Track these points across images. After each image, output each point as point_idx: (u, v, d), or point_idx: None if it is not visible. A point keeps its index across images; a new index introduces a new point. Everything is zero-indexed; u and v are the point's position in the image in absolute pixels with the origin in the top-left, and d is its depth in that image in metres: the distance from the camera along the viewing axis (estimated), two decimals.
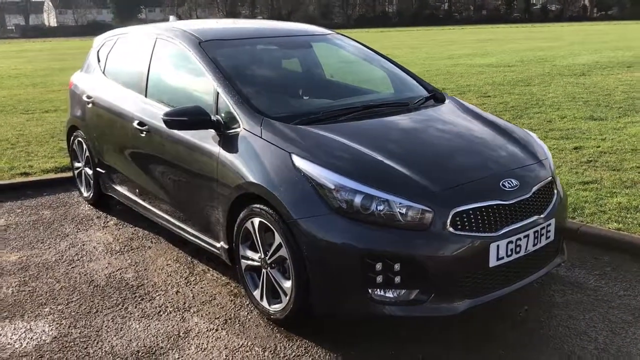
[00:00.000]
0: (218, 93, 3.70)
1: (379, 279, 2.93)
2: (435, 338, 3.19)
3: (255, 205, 3.31)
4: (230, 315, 3.50)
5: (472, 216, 2.98)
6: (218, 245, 3.75)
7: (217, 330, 3.34)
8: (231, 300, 3.67)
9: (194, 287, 3.85)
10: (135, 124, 4.31)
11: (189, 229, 4.03)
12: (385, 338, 3.20)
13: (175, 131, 3.89)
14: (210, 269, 4.10)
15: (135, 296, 3.75)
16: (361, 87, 4.39)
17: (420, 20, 76.18)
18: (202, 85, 3.91)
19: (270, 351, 3.12)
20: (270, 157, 3.29)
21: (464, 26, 64.30)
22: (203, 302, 3.66)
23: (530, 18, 74.35)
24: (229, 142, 3.53)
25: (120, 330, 3.36)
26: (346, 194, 2.98)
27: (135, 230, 4.87)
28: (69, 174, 6.26)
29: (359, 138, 3.36)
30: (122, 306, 3.63)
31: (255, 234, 3.35)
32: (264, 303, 3.41)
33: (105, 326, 3.40)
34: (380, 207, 2.94)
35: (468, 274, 2.99)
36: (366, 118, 3.67)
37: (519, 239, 3.08)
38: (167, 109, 3.89)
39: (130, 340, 3.25)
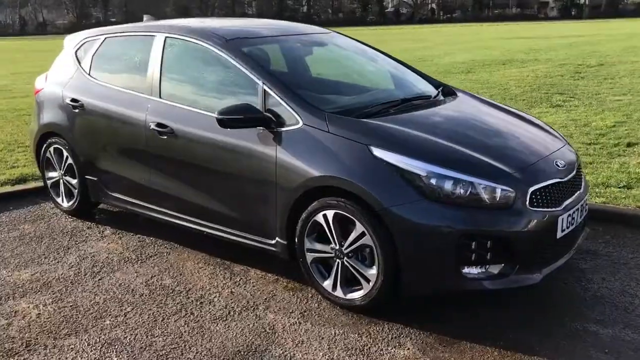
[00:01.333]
0: (265, 90, 3.71)
1: (473, 256, 3.16)
2: (513, 314, 3.48)
3: (330, 198, 3.39)
4: (302, 308, 3.54)
5: (543, 193, 3.30)
6: (271, 241, 3.76)
7: (300, 323, 3.38)
8: (293, 295, 3.71)
9: (246, 287, 3.83)
10: (152, 126, 4.17)
11: (227, 229, 3.98)
12: (459, 308, 3.44)
13: (208, 133, 3.86)
14: (250, 268, 4.08)
15: (192, 300, 3.66)
16: (380, 82, 4.57)
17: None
18: (241, 83, 3.90)
19: (367, 335, 3.23)
20: (344, 150, 3.39)
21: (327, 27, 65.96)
22: (266, 299, 3.67)
23: (385, 21, 78.10)
24: (286, 139, 3.57)
25: (204, 334, 3.28)
26: (436, 180, 3.17)
27: (139, 237, 4.67)
28: (31, 185, 5.84)
29: (421, 128, 3.57)
30: (187, 311, 3.53)
31: (330, 226, 3.43)
32: (338, 292, 3.50)
33: (186, 332, 3.30)
34: (467, 190, 3.17)
35: (543, 246, 3.31)
36: (411, 110, 3.87)
37: (574, 212, 3.46)
38: (196, 110, 3.92)
39: (222, 341, 3.20)
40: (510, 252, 3.21)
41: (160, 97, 4.25)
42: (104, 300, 3.69)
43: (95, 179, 4.81)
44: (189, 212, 4.19)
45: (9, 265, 4.21)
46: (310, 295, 3.69)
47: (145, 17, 5.45)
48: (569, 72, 14.70)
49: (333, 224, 3.42)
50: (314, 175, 3.42)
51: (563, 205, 3.39)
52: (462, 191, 3.16)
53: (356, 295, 3.44)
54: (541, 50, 22.72)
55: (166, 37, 4.35)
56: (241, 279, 3.95)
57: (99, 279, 3.98)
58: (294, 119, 3.59)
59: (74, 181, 4.99)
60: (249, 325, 3.36)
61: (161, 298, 3.70)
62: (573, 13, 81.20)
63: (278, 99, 3.67)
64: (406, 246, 3.18)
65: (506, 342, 3.12)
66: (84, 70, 4.88)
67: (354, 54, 4.78)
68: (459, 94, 4.41)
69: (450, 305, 3.50)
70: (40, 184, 5.84)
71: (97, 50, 4.87)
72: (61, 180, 5.14)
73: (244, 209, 3.86)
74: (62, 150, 5.03)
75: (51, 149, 5.11)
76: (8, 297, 3.74)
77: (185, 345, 3.17)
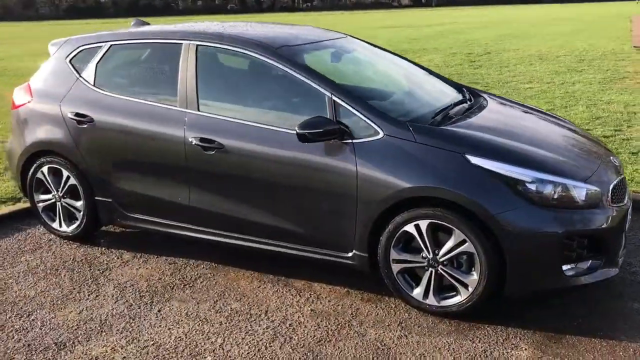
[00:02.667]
0: (334, 101, 3.63)
1: (573, 255, 3.34)
2: (579, 306, 3.72)
3: (424, 208, 3.41)
4: (396, 320, 3.54)
5: (615, 191, 3.56)
6: (347, 255, 3.71)
7: (406, 336, 3.38)
8: (375, 307, 3.69)
9: (322, 303, 3.74)
10: (194, 142, 3.90)
11: (292, 245, 3.85)
12: (534, 305, 3.63)
13: (271, 147, 3.71)
14: (311, 282, 3.98)
15: (279, 324, 3.51)
16: (418, 88, 4.58)
17: (137, 11, 73.90)
18: (302, 94, 3.77)
19: (480, 341, 3.31)
20: (438, 159, 3.41)
21: (188, 16, 64.18)
22: (353, 314, 3.61)
23: (245, 9, 77.62)
24: (367, 151, 3.52)
25: (341, 351, 3.19)
26: (537, 185, 3.30)
27: (167, 260, 4.37)
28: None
29: (494, 133, 3.68)
30: (284, 336, 3.38)
31: (422, 235, 3.45)
32: (429, 301, 3.54)
33: (298, 358, 3.17)
34: (563, 192, 3.34)
35: (620, 238, 3.58)
36: (470, 115, 3.96)
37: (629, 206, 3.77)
38: (252, 124, 3.76)
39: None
40: (599, 247, 3.43)
41: (198, 109, 3.98)
42: (185, 334, 3.43)
43: (110, 200, 4.40)
44: (242, 230, 3.98)
45: (43, 305, 3.75)
46: (393, 305, 3.69)
47: (133, 22, 5.03)
48: (465, 61, 15.64)
49: (427, 233, 3.44)
50: (406, 186, 3.41)
51: (626, 200, 3.68)
52: (559, 194, 3.32)
53: (451, 302, 3.49)
54: (421, 39, 23.92)
55: (198, 45, 4.07)
56: (311, 295, 3.84)
57: (158, 310, 3.68)
58: (371, 130, 3.54)
59: (79, 203, 4.53)
60: (358, 344, 3.30)
61: (244, 324, 3.51)
62: (423, 1, 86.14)
63: (352, 109, 3.59)
64: (513, 251, 3.28)
65: (595, 332, 3.35)
66: (86, 81, 4.42)
67: (377, 59, 4.77)
68: (487, 97, 4.58)
69: (520, 303, 3.67)
70: (13, 207, 5.25)
71: (101, 59, 4.43)
72: (59, 204, 4.64)
73: (314, 223, 3.75)
74: (59, 170, 4.54)
75: (44, 169, 4.59)
76: (73, 342, 3.34)
77: None
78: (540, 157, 3.49)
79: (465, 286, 3.44)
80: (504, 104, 4.51)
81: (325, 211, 3.68)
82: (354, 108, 3.60)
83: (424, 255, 3.50)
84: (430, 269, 3.50)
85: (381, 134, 3.52)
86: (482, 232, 3.30)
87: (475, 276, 3.39)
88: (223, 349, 3.27)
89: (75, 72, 4.49)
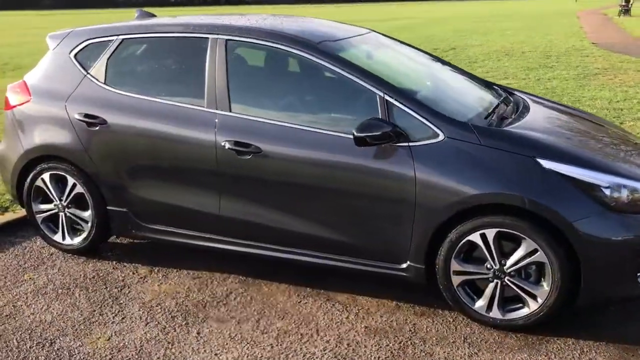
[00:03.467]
0: (387, 101, 3.36)
1: None
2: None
3: (491, 216, 3.19)
4: (459, 336, 3.30)
5: None
6: (401, 266, 3.45)
7: (477, 353, 3.15)
8: (432, 321, 3.44)
9: (375, 319, 3.47)
10: (227, 145, 3.56)
11: (336, 257, 3.57)
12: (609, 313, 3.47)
13: (319, 151, 3.41)
14: (356, 296, 3.71)
15: (336, 344, 3.22)
16: (456, 86, 4.32)
17: (76, 2, 71.66)
18: (350, 93, 3.49)
19: (555, 356, 3.11)
20: (506, 163, 3.19)
21: (126, 9, 61.99)
22: (412, 330, 3.36)
23: (191, 1, 76.02)
24: (426, 154, 3.26)
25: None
26: (612, 189, 3.12)
27: (192, 274, 4.00)
28: None
29: (556, 135, 3.50)
30: (349, 358, 3.10)
31: (489, 245, 3.23)
32: (493, 314, 3.32)
33: None
34: (635, 196, 3.17)
35: None
36: (521, 116, 3.76)
37: None
38: (296, 126, 3.46)
39: None
40: None
41: (230, 110, 3.63)
42: (238, 358, 3.09)
43: (124, 210, 4.00)
44: (281, 241, 3.66)
45: (66, 331, 3.34)
46: (451, 319, 3.46)
47: (137, 12, 4.61)
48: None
49: (493, 243, 3.22)
50: (473, 193, 3.17)
51: None
52: (632, 198, 3.16)
53: (517, 314, 3.29)
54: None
55: (227, 39, 3.71)
56: (359, 310, 3.57)
57: (197, 333, 3.33)
58: (430, 132, 3.29)
59: (86, 213, 4.11)
60: None
61: (297, 346, 3.20)
62: None
63: (407, 110, 3.33)
64: (589, 259, 3.09)
65: None
66: (95, 78, 3.99)
67: (407, 56, 4.50)
68: (518, 94, 4.40)
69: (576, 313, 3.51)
70: (2, 217, 4.76)
71: (112, 54, 4.00)
72: (62, 214, 4.19)
73: (365, 233, 3.47)
74: (64, 177, 4.10)
75: (45, 176, 4.14)
76: None
77: None
78: (611, 160, 3.32)
79: (534, 297, 3.23)
80: (541, 102, 4.34)
81: (378, 220, 3.41)
82: (410, 108, 3.34)
83: (488, 266, 3.27)
84: (495, 280, 3.28)
85: (441, 137, 3.27)
86: (555, 240, 3.10)
87: (545, 287, 3.19)
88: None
89: (81, 68, 4.05)
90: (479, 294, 3.36)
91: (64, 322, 3.44)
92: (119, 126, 3.87)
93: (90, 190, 4.04)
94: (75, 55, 4.10)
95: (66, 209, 4.17)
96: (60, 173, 4.10)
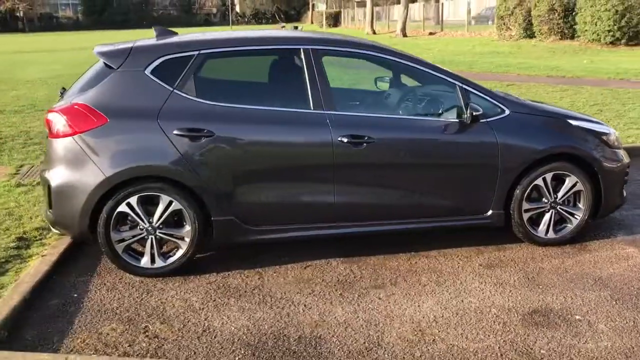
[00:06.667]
0: (465, 89, 4.37)
1: None
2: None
3: (549, 164, 4.46)
4: (544, 254, 4.48)
5: None
6: (486, 214, 4.49)
7: (562, 263, 4.38)
8: (516, 253, 4.55)
9: (480, 260, 4.42)
10: (345, 140, 4.10)
11: (433, 219, 4.43)
12: None
13: (425, 134, 4.28)
14: (445, 251, 4.58)
15: (495, 276, 4.10)
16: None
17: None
18: (436, 86, 4.41)
19: (597, 250, 4.53)
20: (553, 126, 4.53)
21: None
22: (518, 262, 4.41)
23: None
24: (502, 126, 4.38)
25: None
26: (608, 136, 4.71)
27: (240, 273, 4.33)
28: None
29: (552, 106, 4.98)
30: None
31: (548, 185, 4.50)
32: (550, 235, 4.62)
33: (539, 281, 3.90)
34: (615, 138, 4.80)
35: None
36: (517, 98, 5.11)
37: None
38: (407, 117, 4.38)
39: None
40: None
41: (335, 110, 4.17)
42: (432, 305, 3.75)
43: (230, 218, 4.11)
44: (389, 215, 4.34)
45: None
46: (520, 249, 4.61)
47: (157, 30, 4.57)
48: None
49: (550, 183, 4.51)
50: (540, 148, 4.40)
51: None
52: (615, 138, 4.78)
53: (566, 230, 4.62)
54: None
55: (318, 49, 4.23)
56: (460, 258, 4.47)
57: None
58: (498, 109, 4.43)
59: (184, 230, 4.06)
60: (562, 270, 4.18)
61: (458, 286, 3.99)
62: None
63: (480, 94, 4.42)
64: (606, 183, 4.59)
65: None
66: (185, 93, 4.02)
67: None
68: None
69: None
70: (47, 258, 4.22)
71: (198, 69, 4.08)
72: (152, 237, 4.04)
73: (461, 194, 4.40)
74: (154, 198, 4.00)
75: (132, 199, 3.96)
76: None
77: None
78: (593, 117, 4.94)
79: (574, 216, 4.61)
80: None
81: (473, 181, 4.39)
82: (482, 93, 4.42)
83: (545, 200, 4.55)
84: (551, 210, 4.57)
85: (507, 112, 4.44)
86: (588, 174, 4.54)
87: (582, 207, 4.60)
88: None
89: (164, 84, 4.02)
90: (539, 223, 4.60)
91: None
92: (227, 136, 4.01)
93: (190, 205, 4.02)
94: (152, 71, 4.03)
95: (157, 231, 4.04)
96: (153, 193, 3.98)
